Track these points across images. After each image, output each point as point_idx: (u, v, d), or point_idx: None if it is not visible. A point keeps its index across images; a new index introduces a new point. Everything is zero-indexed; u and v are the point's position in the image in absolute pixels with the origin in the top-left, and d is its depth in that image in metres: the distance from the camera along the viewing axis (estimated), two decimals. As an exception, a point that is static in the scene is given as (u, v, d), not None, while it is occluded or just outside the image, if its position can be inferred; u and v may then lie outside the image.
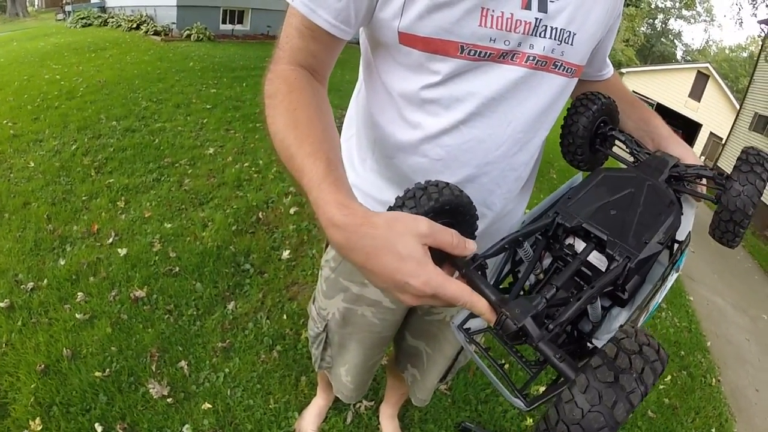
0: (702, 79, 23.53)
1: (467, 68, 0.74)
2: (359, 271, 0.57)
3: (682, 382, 3.11)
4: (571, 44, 0.78)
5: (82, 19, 12.43)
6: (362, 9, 0.72)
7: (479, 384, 2.28)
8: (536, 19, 0.73)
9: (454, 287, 0.54)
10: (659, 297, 0.72)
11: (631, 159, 0.87)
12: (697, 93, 23.60)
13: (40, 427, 1.65)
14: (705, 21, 42.33)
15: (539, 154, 0.96)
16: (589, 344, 0.67)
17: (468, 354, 0.69)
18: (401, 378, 1.60)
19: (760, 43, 13.64)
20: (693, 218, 0.79)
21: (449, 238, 0.57)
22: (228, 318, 2.33)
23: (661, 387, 2.93)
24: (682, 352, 3.49)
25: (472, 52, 0.73)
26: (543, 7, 0.73)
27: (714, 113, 23.13)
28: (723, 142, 15.41)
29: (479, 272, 0.60)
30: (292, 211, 3.48)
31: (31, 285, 2.35)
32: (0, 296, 2.26)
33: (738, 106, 15.38)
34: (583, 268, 0.66)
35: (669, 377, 3.07)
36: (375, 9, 0.73)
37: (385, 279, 0.54)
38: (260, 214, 3.36)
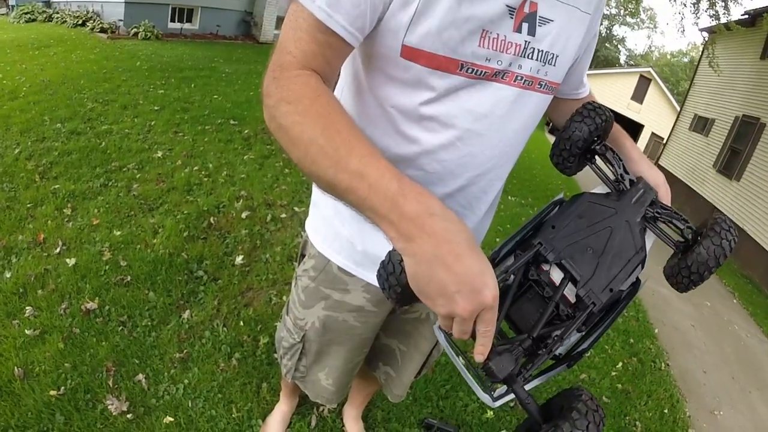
0: (644, 82, 24.64)
1: (463, 85, 0.75)
2: (428, 266, 0.53)
3: (633, 368, 3.22)
4: (554, 65, 0.81)
5: (26, 14, 11.46)
6: (375, 18, 0.69)
7: (439, 381, 2.32)
8: (525, 41, 0.75)
9: (495, 316, 0.54)
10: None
11: (612, 177, 0.88)
12: (639, 95, 24.72)
13: (-8, 457, 1.53)
14: (648, 28, 43.34)
15: None
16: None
17: (446, 352, 0.70)
18: (368, 378, 1.58)
19: (701, 48, 14.16)
20: (650, 247, 0.82)
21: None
22: (184, 327, 2.25)
23: (614, 374, 3.03)
24: (632, 340, 3.60)
25: (470, 70, 0.74)
26: (532, 31, 0.76)
27: (655, 114, 24.28)
28: (664, 141, 15.88)
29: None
30: (243, 215, 3.39)
31: (-26, 301, 2.18)
32: None
33: (678, 108, 15.78)
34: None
35: (620, 364, 3.16)
36: (383, 19, 0.70)
37: (464, 279, 0.51)
38: (212, 219, 3.25)
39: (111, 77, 5.91)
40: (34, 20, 11.01)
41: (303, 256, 1.14)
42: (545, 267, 0.71)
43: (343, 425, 1.91)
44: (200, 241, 2.99)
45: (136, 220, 3.06)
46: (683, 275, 0.76)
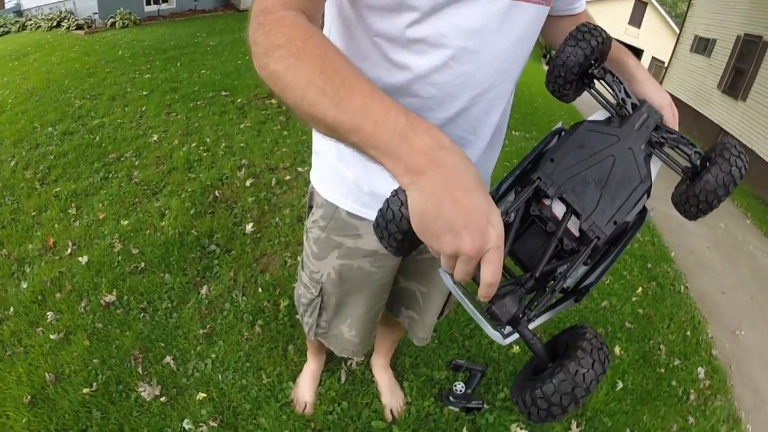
0: (640, 6, 23.80)
1: (448, 1, 0.69)
2: (437, 200, 0.49)
3: (653, 292, 3.14)
4: None
5: None
6: None
7: (462, 321, 2.24)
8: None
9: (502, 254, 0.52)
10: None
11: (613, 101, 0.81)
12: (636, 20, 23.85)
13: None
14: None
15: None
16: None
17: (453, 294, 0.67)
18: (392, 325, 1.55)
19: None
20: (656, 174, 0.78)
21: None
22: (203, 303, 2.20)
23: (634, 299, 2.96)
24: (649, 265, 3.50)
25: None
26: None
27: (654, 38, 23.38)
28: (665, 65, 15.24)
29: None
30: (248, 183, 3.29)
31: (-3, 318, 2.15)
32: None
33: (678, 30, 15.10)
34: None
35: (640, 289, 3.09)
36: None
37: (472, 215, 0.49)
38: (216, 192, 3.16)
39: (95, 71, 5.74)
40: (7, 32, 10.60)
41: (311, 207, 1.10)
42: (546, 201, 0.67)
43: (373, 376, 1.86)
44: (208, 215, 2.90)
45: (141, 206, 2.99)
46: (691, 203, 0.72)
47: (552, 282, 0.67)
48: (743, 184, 7.97)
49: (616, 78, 0.82)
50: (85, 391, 1.76)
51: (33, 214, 2.92)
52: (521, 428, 1.83)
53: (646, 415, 2.12)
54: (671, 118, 0.81)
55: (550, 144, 0.76)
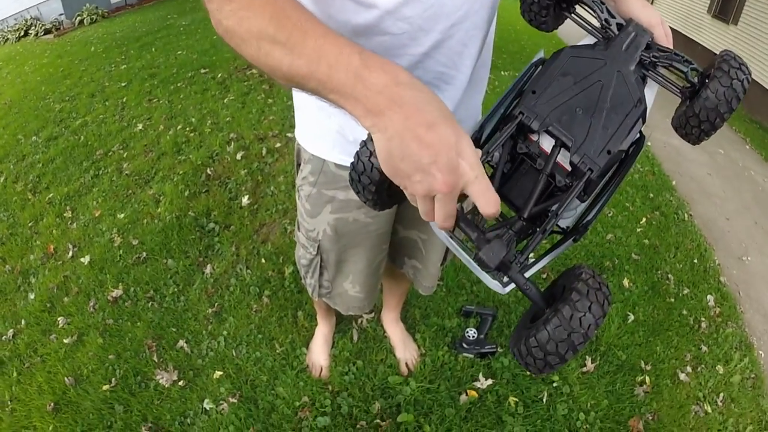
0: None
1: None
2: (401, 140, 0.47)
3: (657, 222, 3.05)
4: None
5: None
6: None
7: (467, 268, 2.16)
8: None
9: (489, 183, 0.49)
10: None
11: (598, 26, 0.74)
12: None
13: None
14: None
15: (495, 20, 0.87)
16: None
17: (447, 245, 0.65)
18: (396, 277, 1.51)
19: None
20: (653, 100, 0.73)
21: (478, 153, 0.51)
22: (209, 282, 2.15)
23: (639, 230, 2.88)
24: (651, 194, 3.39)
25: None
26: None
27: None
28: None
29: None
30: (239, 156, 3.19)
31: (11, 332, 2.13)
32: None
33: None
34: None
35: (644, 220, 3.00)
36: None
37: (438, 150, 0.46)
38: (208, 170, 3.07)
39: (70, 72, 5.59)
40: None
41: (299, 165, 1.07)
42: (534, 137, 0.62)
43: (385, 332, 1.82)
44: (203, 195, 2.83)
45: (135, 197, 2.93)
46: (692, 125, 0.67)
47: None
48: (740, 109, 7.74)
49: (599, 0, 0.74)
50: (104, 388, 1.74)
51: (30, 224, 2.87)
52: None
53: (659, 346, 2.07)
54: (663, 37, 0.73)
55: (533, 77, 0.69)
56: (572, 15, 0.77)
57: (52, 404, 1.73)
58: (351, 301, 1.24)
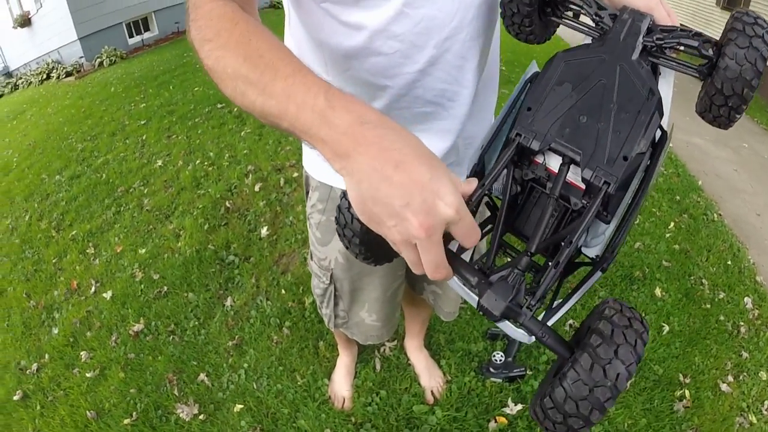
0: None
1: None
2: (369, 183, 0.44)
3: (686, 225, 3.00)
4: None
5: None
6: None
7: None
8: None
9: (473, 220, 0.46)
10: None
11: (593, 24, 0.67)
12: None
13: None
14: None
15: (498, 23, 0.84)
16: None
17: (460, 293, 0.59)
18: (418, 302, 1.50)
19: None
20: (671, 92, 0.65)
21: (470, 186, 0.50)
22: (229, 315, 2.19)
23: (668, 235, 2.83)
24: (678, 197, 3.35)
25: None
26: None
27: None
28: None
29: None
30: (257, 188, 3.27)
31: (35, 366, 2.20)
32: (11, 390, 2.11)
33: None
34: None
35: (672, 224, 2.96)
36: None
37: (410, 190, 0.42)
38: (227, 203, 3.15)
39: (91, 113, 5.83)
40: (1, 95, 10.80)
41: (307, 193, 1.09)
42: (539, 159, 0.57)
43: (408, 359, 1.81)
44: (222, 228, 2.90)
45: (156, 232, 3.01)
46: (718, 104, 0.57)
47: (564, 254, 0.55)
48: (758, 99, 7.45)
49: None
50: (126, 422, 1.77)
51: (54, 261, 2.97)
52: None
53: (698, 356, 2.02)
54: (666, 16, 0.66)
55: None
56: (562, 20, 0.71)
57: None
58: (369, 330, 1.24)
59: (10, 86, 10.89)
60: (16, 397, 2.05)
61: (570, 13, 0.72)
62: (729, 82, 0.54)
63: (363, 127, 0.45)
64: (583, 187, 0.54)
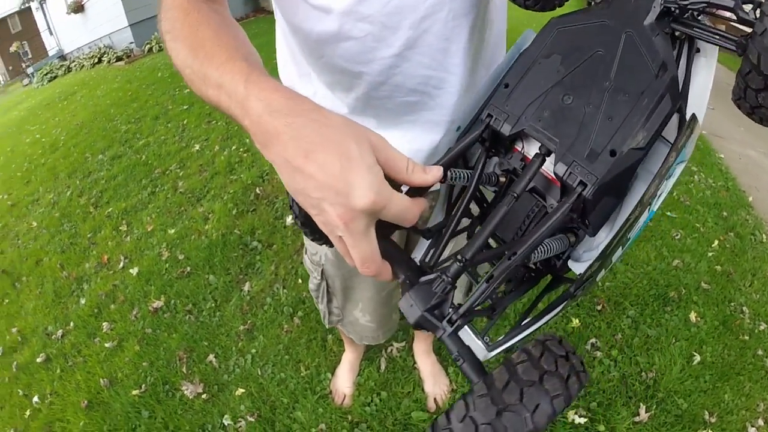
0: None
1: None
2: (286, 173, 0.42)
3: (731, 245, 2.80)
4: None
5: (47, 75, 12.14)
6: None
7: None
8: None
9: (405, 202, 0.43)
10: (661, 194, 0.49)
11: None
12: None
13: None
14: None
15: None
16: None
17: None
18: None
19: None
20: (711, 77, 0.52)
21: (403, 161, 0.44)
22: (245, 300, 2.24)
23: (710, 254, 2.64)
24: (725, 213, 3.13)
25: None
26: None
27: None
28: None
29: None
30: (286, 176, 3.33)
31: (60, 332, 2.33)
32: (36, 352, 2.26)
33: None
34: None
35: (716, 242, 2.76)
36: None
37: (323, 182, 0.40)
38: (257, 189, 3.23)
39: (137, 96, 6.08)
40: (55, 77, 11.62)
41: None
42: (519, 146, 0.50)
43: (415, 362, 1.79)
44: (250, 214, 2.97)
45: (186, 214, 3.11)
46: (754, 86, 0.43)
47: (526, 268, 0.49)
48: None
49: None
50: (134, 392, 1.85)
51: (89, 236, 3.13)
52: (580, 415, 1.67)
53: (728, 393, 1.88)
54: None
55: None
56: None
57: (86, 402, 1.88)
58: (363, 331, 1.23)
59: (63, 69, 11.66)
60: (39, 360, 2.18)
61: None
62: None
63: (272, 116, 0.42)
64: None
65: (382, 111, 0.79)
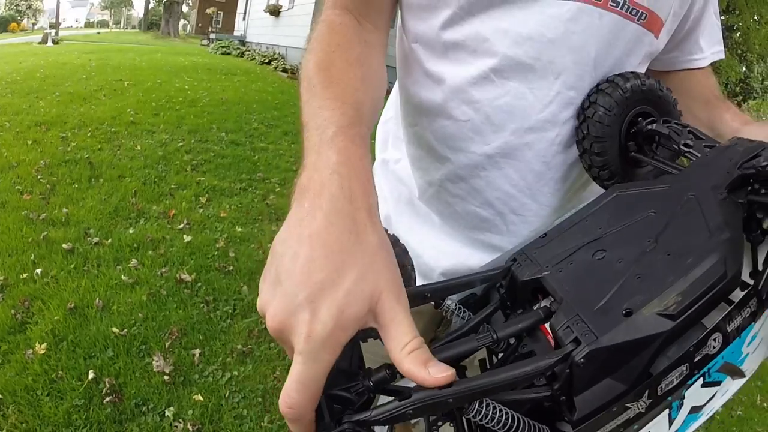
0: None
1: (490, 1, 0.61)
2: (283, 245, 0.37)
3: None
4: None
5: (223, 47, 14.46)
6: None
7: None
8: None
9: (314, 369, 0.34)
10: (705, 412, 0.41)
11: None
12: None
13: (42, 352, 1.79)
14: None
15: None
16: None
17: None
18: None
19: None
20: None
21: (405, 337, 0.35)
22: (259, 326, 2.33)
23: None
24: None
25: None
26: None
27: None
28: None
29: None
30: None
31: (96, 240, 2.58)
32: (66, 239, 2.51)
33: None
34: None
35: None
36: None
37: (295, 277, 0.34)
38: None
39: (281, 107, 6.76)
40: (228, 53, 13.86)
41: None
42: (545, 303, 0.46)
43: None
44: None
45: (260, 224, 3.34)
46: None
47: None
48: None
49: (676, 125, 0.60)
50: (114, 329, 2.03)
51: (172, 186, 3.45)
52: None
53: None
54: None
55: None
56: (655, 159, 0.61)
57: (73, 305, 2.07)
58: None
59: (238, 52, 14.01)
60: (65, 246, 2.37)
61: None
62: None
63: (333, 176, 0.39)
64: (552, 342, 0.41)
65: (449, 211, 0.75)
